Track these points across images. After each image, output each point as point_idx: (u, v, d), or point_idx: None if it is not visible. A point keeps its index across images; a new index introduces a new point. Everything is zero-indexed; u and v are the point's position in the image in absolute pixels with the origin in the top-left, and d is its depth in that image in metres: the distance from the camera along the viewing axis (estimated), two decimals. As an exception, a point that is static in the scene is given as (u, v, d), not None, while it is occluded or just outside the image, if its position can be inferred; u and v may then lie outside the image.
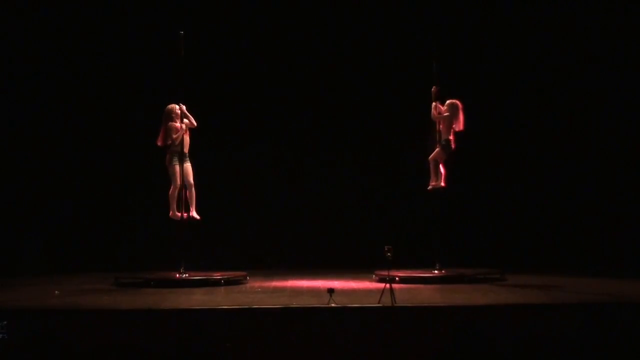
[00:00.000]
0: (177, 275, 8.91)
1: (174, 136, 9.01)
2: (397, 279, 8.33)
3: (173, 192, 9.09)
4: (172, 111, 9.05)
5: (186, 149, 9.07)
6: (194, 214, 9.15)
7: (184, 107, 9.04)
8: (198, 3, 10.62)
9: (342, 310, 6.82)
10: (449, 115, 9.13)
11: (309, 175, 10.85)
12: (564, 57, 10.62)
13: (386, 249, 7.32)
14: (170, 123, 9.03)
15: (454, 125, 9.13)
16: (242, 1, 10.77)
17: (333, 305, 6.88)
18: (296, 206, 10.80)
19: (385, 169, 10.74)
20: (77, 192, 10.67)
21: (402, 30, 10.53)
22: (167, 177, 9.12)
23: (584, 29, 10.53)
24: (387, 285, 7.06)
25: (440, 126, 9.18)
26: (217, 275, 8.88)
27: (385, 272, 7.59)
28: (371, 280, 8.90)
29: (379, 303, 6.93)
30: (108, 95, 10.68)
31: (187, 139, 9.09)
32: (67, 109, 10.64)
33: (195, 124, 9.09)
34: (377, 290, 7.37)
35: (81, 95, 10.69)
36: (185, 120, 9.05)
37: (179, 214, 9.05)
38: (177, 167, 9.03)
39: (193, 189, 9.15)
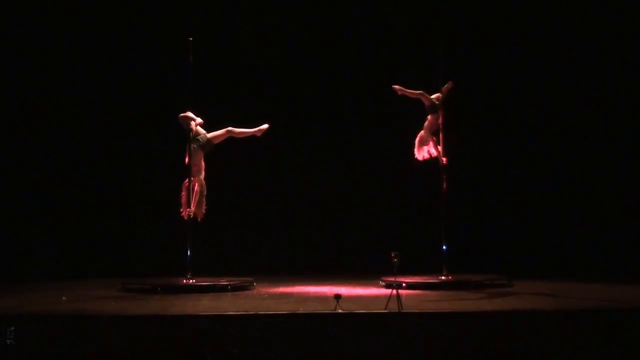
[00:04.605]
0: (184, 281, 8.93)
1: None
2: (403, 285, 8.31)
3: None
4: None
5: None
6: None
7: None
8: (205, 10, 10.67)
9: (349, 316, 6.82)
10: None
11: (316, 181, 10.85)
12: (565, 60, 10.62)
13: (393, 255, 7.30)
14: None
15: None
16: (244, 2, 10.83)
17: (340, 311, 6.87)
18: (303, 212, 10.80)
19: (393, 175, 10.72)
20: (85, 199, 10.69)
21: (413, 32, 10.55)
22: (174, 184, 9.17)
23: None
24: (394, 291, 7.05)
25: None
26: (223, 281, 8.89)
27: (392, 278, 7.58)
28: (378, 286, 8.88)
29: (385, 309, 6.91)
30: (118, 103, 10.71)
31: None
32: (76, 116, 10.67)
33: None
34: (383, 296, 7.36)
35: (91, 102, 10.72)
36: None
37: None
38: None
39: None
